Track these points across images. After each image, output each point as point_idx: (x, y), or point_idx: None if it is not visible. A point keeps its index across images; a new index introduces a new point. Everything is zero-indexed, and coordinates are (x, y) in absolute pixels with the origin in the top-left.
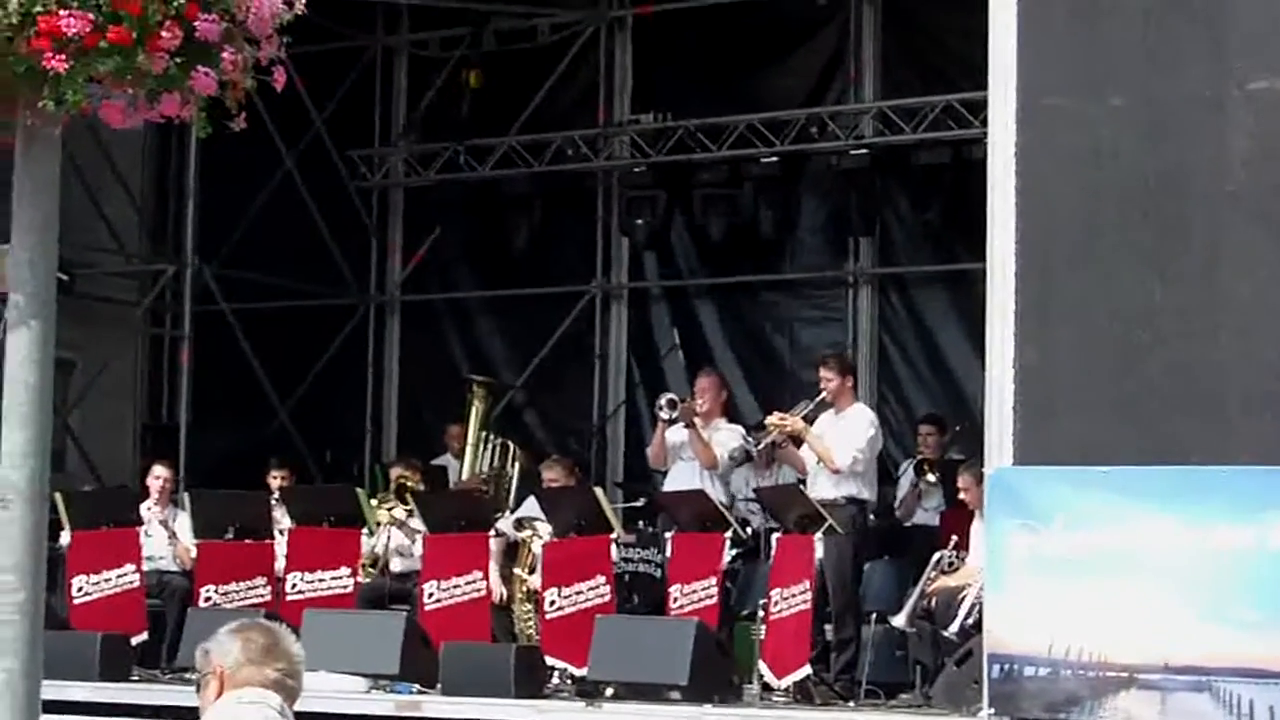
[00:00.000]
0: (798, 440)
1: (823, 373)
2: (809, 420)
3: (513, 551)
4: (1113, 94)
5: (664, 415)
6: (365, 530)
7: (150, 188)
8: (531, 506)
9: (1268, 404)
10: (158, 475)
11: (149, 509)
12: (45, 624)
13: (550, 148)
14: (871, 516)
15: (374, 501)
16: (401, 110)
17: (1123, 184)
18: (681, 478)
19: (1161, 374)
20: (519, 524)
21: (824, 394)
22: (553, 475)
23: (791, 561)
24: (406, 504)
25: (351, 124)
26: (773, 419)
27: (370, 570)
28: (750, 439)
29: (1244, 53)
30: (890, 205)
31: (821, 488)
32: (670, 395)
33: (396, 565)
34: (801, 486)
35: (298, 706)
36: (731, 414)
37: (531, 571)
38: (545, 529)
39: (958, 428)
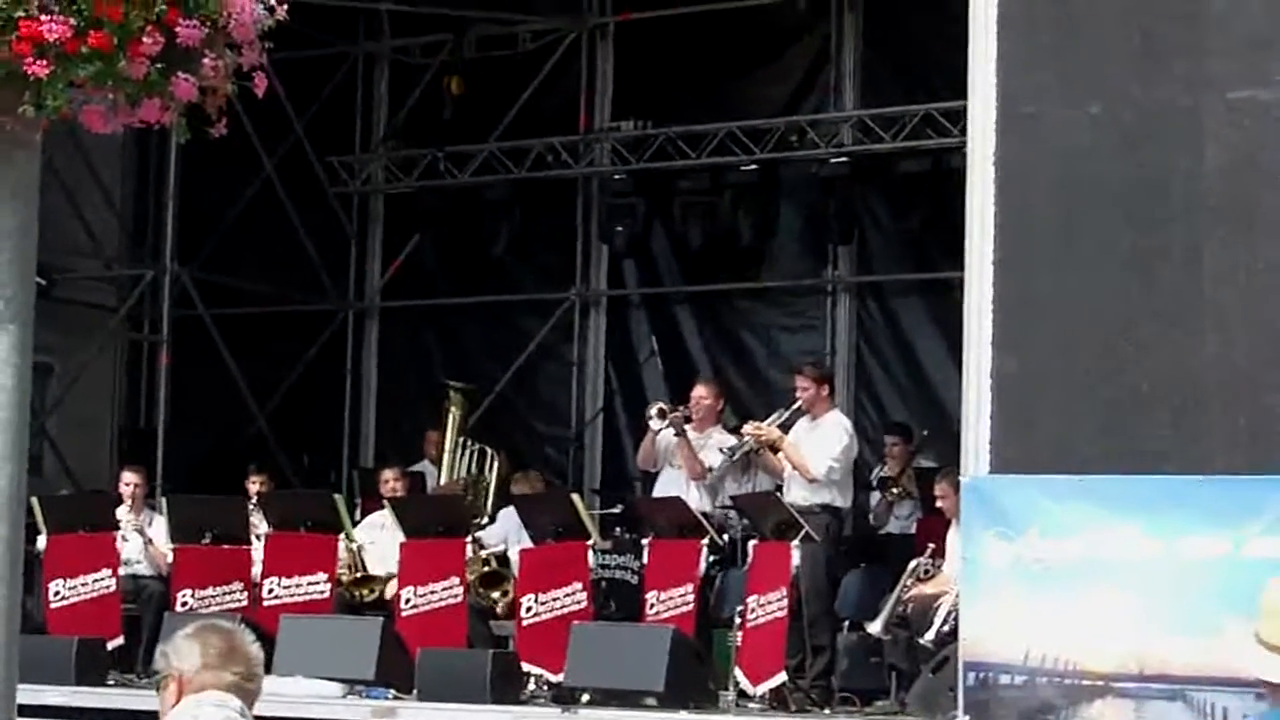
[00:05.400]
0: (774, 448)
1: (799, 381)
2: (785, 428)
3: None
4: (1092, 102)
5: (654, 424)
6: (343, 536)
7: (130, 192)
8: (509, 514)
9: (1244, 412)
10: (128, 481)
11: (125, 515)
12: (21, 628)
13: (530, 154)
14: (847, 525)
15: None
16: (382, 116)
17: (1102, 192)
18: (671, 484)
19: (1139, 382)
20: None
21: (800, 402)
22: (522, 489)
23: (768, 568)
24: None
25: (332, 130)
26: (749, 428)
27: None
28: (726, 449)
29: (1224, 62)
30: (869, 214)
31: (796, 494)
32: (660, 404)
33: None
34: (778, 494)
35: (275, 711)
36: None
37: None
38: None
39: (925, 433)
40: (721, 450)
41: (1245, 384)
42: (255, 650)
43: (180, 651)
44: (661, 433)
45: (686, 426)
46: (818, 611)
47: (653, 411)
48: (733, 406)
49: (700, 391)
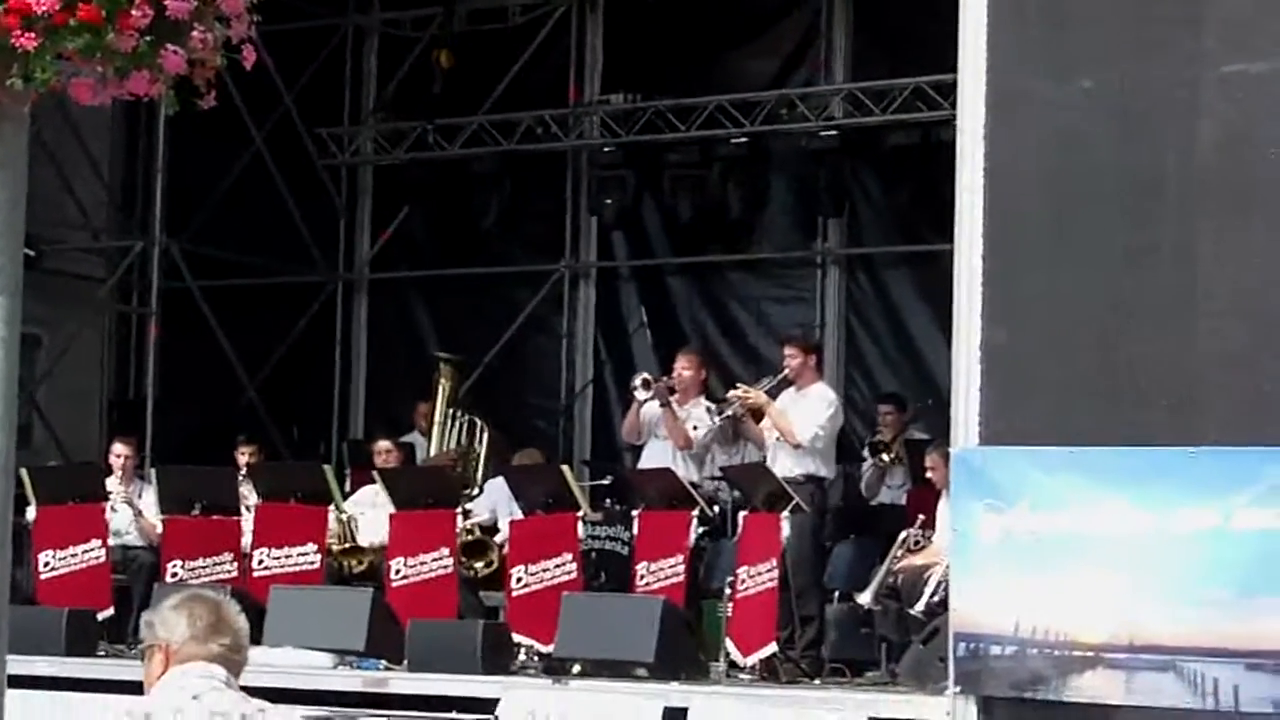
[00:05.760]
0: (758, 415)
1: (786, 350)
2: (771, 396)
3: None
4: (1084, 77)
5: (639, 395)
6: (332, 507)
7: (119, 164)
8: (497, 485)
9: (1235, 388)
10: (118, 453)
11: (114, 486)
12: (11, 599)
13: (520, 127)
14: (835, 495)
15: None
16: (372, 89)
17: (1093, 167)
18: (657, 455)
19: (1129, 356)
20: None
21: (787, 371)
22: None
23: (758, 539)
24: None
25: (321, 102)
26: (735, 392)
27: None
28: (713, 411)
29: (1219, 36)
30: (859, 186)
31: (781, 465)
32: (645, 374)
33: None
34: (767, 465)
35: (264, 682)
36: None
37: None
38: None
39: (929, 401)
40: (708, 410)
41: (1236, 360)
42: (242, 621)
43: (167, 622)
44: (646, 404)
45: (671, 397)
46: (805, 582)
47: (637, 382)
48: (722, 378)
49: (682, 362)
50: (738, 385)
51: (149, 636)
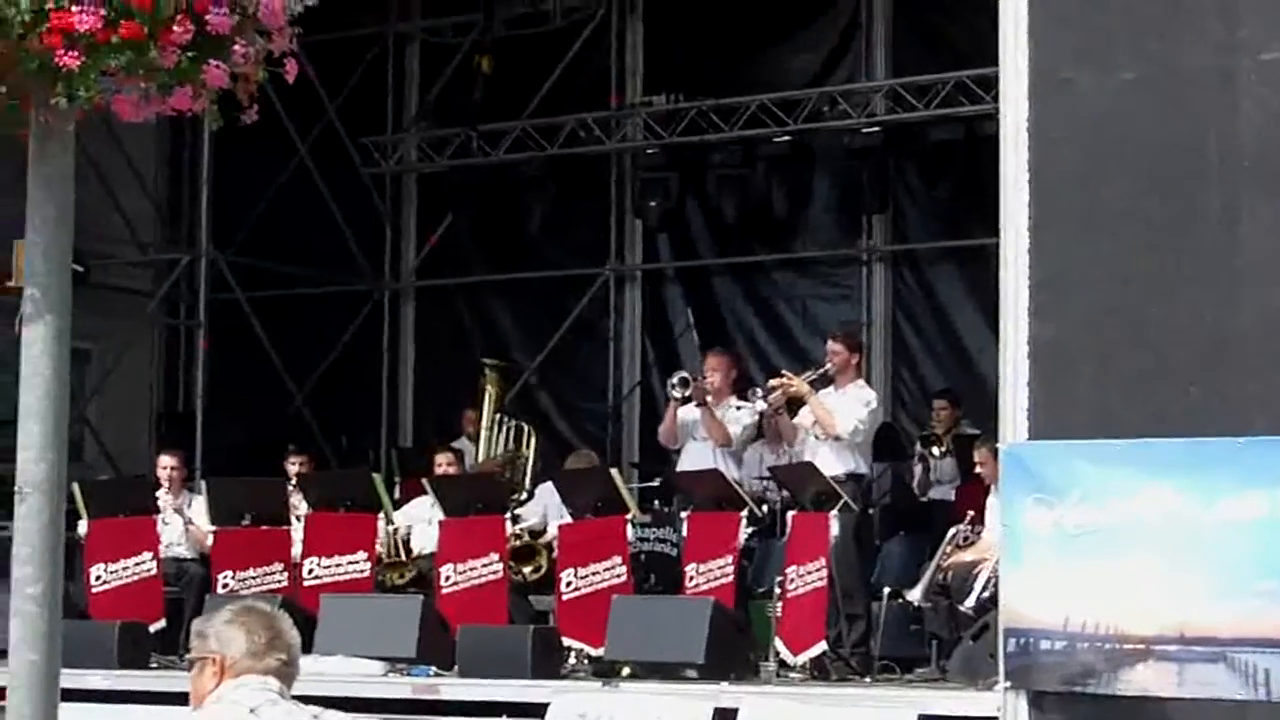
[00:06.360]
0: (794, 408)
1: (831, 345)
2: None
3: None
4: (1124, 67)
5: (676, 394)
6: (381, 516)
7: (164, 177)
8: (547, 490)
9: None
10: (165, 465)
11: (164, 498)
12: (64, 613)
13: (563, 131)
14: (884, 492)
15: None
16: (414, 96)
17: (1136, 156)
18: (694, 457)
19: (1176, 347)
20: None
21: (829, 366)
22: (575, 468)
23: (807, 539)
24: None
25: (364, 111)
26: (776, 380)
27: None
28: (755, 395)
29: (1255, 22)
30: (903, 182)
31: (823, 463)
32: (683, 374)
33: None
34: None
35: (316, 691)
36: (743, 392)
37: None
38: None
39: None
40: (750, 396)
41: None
42: (295, 633)
43: (222, 636)
44: (682, 408)
45: (706, 398)
46: (850, 580)
47: (675, 381)
48: (766, 378)
49: (712, 363)
50: (782, 373)
51: (200, 649)
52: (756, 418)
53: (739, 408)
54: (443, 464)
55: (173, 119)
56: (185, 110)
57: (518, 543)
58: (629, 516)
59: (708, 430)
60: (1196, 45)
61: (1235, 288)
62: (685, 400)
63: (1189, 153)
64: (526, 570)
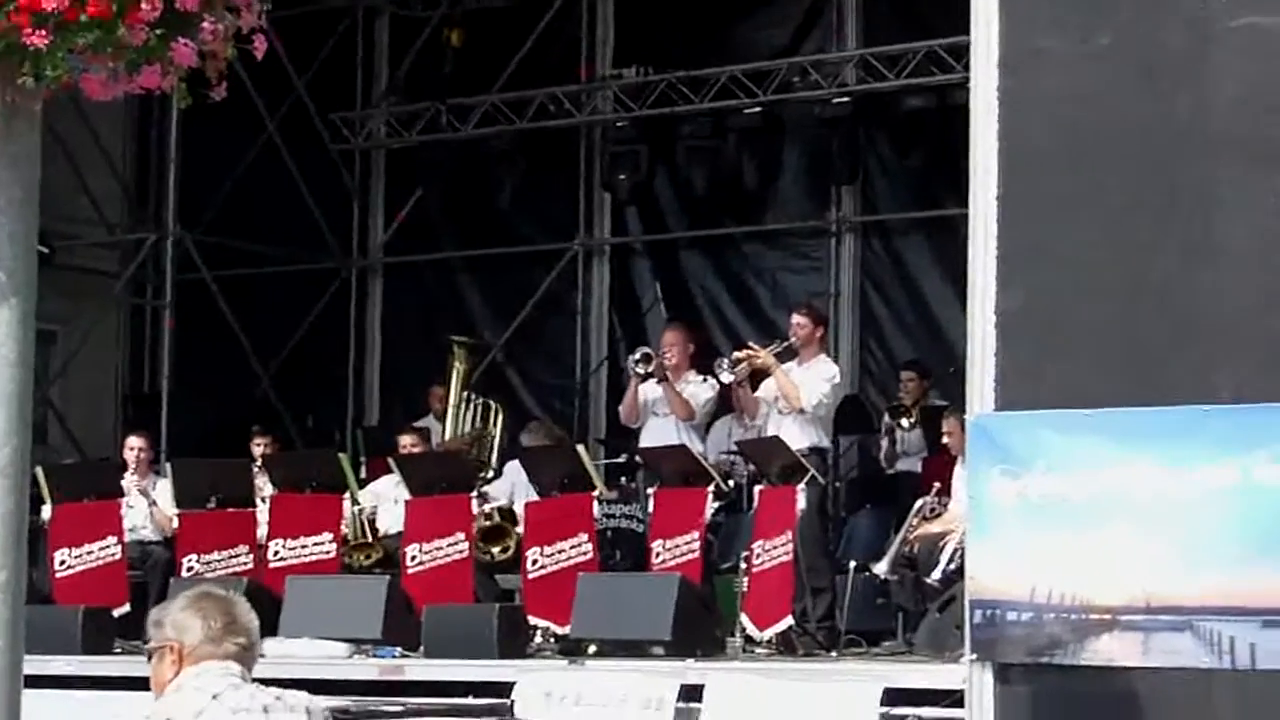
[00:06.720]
0: (755, 383)
1: (796, 318)
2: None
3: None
4: (1098, 35)
5: (639, 370)
6: (347, 496)
7: (132, 156)
8: (515, 468)
9: (1250, 344)
10: (133, 446)
11: (129, 480)
12: (27, 598)
13: (532, 105)
14: (850, 466)
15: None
16: (383, 71)
17: (1109, 126)
18: (656, 433)
19: (1146, 317)
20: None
21: (794, 339)
22: (532, 440)
23: (774, 513)
24: None
25: (333, 86)
26: (741, 352)
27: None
28: (722, 366)
29: None
30: (873, 153)
31: (787, 438)
32: (645, 349)
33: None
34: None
35: (283, 672)
36: (705, 365)
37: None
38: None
39: (952, 369)
40: (716, 368)
41: (1251, 317)
42: (253, 617)
43: (179, 624)
44: (642, 385)
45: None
46: (815, 554)
47: (636, 357)
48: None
49: (669, 338)
50: (747, 345)
51: (158, 638)
52: (716, 391)
53: (700, 381)
54: (406, 444)
55: (140, 97)
56: (153, 89)
57: (488, 523)
58: (595, 493)
59: (671, 405)
60: (1169, 13)
61: (1205, 259)
62: (647, 376)
63: (1161, 123)
64: (495, 550)
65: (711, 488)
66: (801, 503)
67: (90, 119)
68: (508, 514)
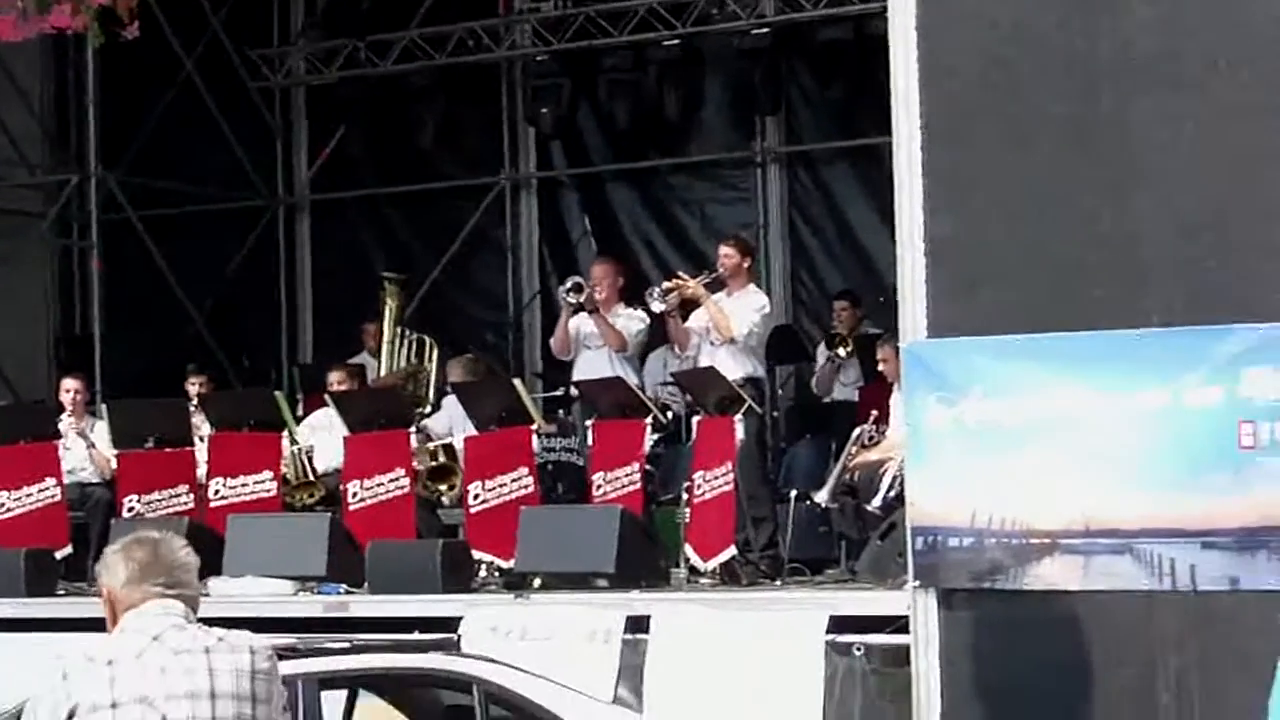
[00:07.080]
0: (686, 313)
1: (723, 249)
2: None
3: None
4: None
5: (571, 299)
6: (286, 434)
7: (50, 97)
8: (454, 401)
9: (1178, 268)
10: (68, 388)
11: (66, 422)
12: None
13: (451, 40)
14: (788, 395)
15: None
16: (299, 7)
17: (1028, 52)
18: (590, 365)
19: (1075, 243)
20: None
21: (721, 269)
22: (456, 374)
23: (713, 443)
24: None
25: (250, 23)
26: (671, 282)
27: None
28: (653, 295)
29: None
30: (795, 83)
31: (721, 368)
32: (576, 279)
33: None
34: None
35: (227, 612)
36: (636, 296)
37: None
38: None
39: (881, 299)
40: (647, 298)
41: (1176, 240)
42: (184, 556)
43: (110, 567)
44: (574, 318)
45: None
46: (754, 483)
47: (568, 285)
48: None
49: (597, 272)
50: (677, 275)
51: (99, 582)
52: (647, 323)
53: (631, 313)
54: (334, 382)
55: (55, 38)
56: (65, 28)
57: (434, 462)
58: (534, 427)
59: (604, 336)
60: None
61: (1128, 184)
62: (579, 307)
63: (1081, 50)
64: (444, 488)
65: (650, 419)
66: (740, 433)
67: (6, 60)
68: (451, 452)
